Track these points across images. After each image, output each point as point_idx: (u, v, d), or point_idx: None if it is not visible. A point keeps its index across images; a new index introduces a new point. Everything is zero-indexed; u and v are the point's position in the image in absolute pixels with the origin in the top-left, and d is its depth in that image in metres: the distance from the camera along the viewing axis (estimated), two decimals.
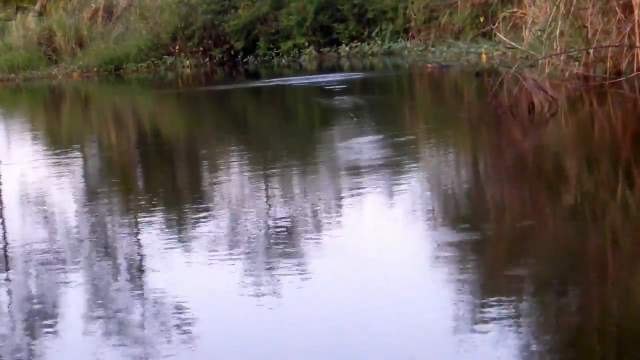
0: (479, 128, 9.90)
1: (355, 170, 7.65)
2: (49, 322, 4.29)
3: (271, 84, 17.99)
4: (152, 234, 5.89)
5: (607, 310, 3.94)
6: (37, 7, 27.54)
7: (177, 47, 23.45)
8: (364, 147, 8.74)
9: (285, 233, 5.62)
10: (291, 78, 18.26)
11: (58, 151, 10.96)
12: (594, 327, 3.77)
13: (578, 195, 6.25)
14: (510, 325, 3.73)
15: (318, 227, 5.70)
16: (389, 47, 21.56)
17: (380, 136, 9.75)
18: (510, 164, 7.71)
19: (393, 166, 7.76)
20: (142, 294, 4.65)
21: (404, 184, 6.92)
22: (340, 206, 6.31)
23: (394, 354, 3.57)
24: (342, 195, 6.69)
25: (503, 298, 4.09)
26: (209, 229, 5.87)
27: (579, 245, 5.01)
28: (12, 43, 25.68)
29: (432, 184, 7.00)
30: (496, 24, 16.07)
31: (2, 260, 5.55)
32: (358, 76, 17.56)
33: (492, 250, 5.11)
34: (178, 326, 4.05)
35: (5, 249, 5.88)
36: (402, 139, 9.64)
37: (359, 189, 6.81)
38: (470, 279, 4.44)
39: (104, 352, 3.83)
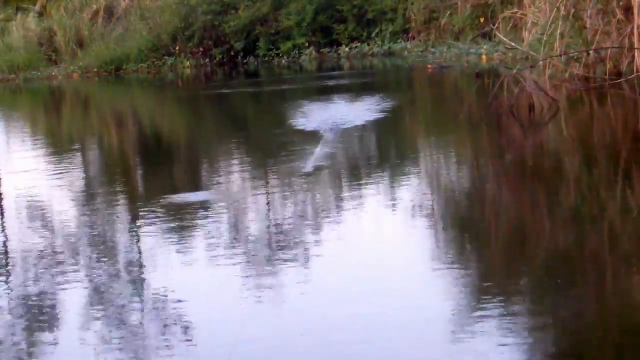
0: (479, 128, 9.90)
1: (353, 170, 7.65)
2: (54, 321, 4.31)
3: (273, 87, 17.96)
4: (153, 234, 5.89)
5: (607, 310, 3.95)
6: (37, 7, 27.53)
7: (177, 48, 23.45)
8: (363, 148, 8.74)
9: (287, 232, 5.63)
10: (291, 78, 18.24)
11: (57, 152, 10.96)
12: (593, 328, 3.78)
13: (578, 196, 6.26)
14: (509, 325, 3.74)
15: (319, 225, 5.71)
16: (389, 47, 21.57)
17: (382, 135, 9.76)
18: (510, 164, 7.72)
19: (395, 166, 7.77)
20: (143, 295, 4.66)
21: (405, 182, 6.93)
22: (341, 205, 6.31)
23: (392, 353, 3.58)
24: (343, 193, 6.68)
25: (502, 298, 4.10)
26: (210, 230, 5.87)
27: (578, 245, 5.02)
28: (12, 43, 25.66)
29: (433, 185, 7.00)
30: (496, 25, 16.08)
31: (10, 260, 5.57)
32: (359, 80, 17.51)
33: (491, 249, 5.11)
34: (179, 326, 4.07)
35: (11, 250, 5.90)
36: (405, 139, 9.65)
37: (359, 188, 6.82)
38: (471, 279, 4.45)
39: (106, 353, 3.85)
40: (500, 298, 4.10)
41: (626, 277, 4.36)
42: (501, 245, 5.20)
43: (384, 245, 5.28)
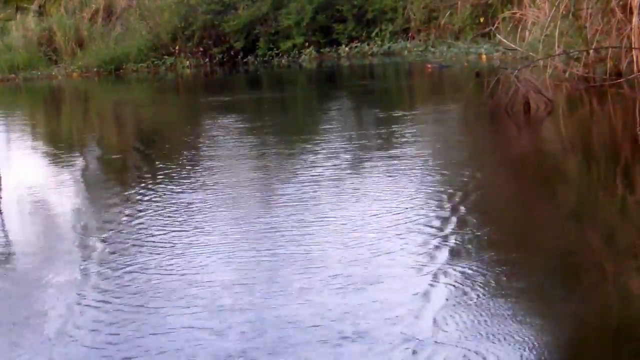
0: (474, 126, 9.89)
1: (353, 168, 7.64)
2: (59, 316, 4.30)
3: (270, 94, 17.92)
4: (154, 232, 5.88)
5: (607, 310, 3.93)
6: (35, 6, 27.54)
7: (177, 48, 23.47)
8: (359, 148, 8.72)
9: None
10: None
11: (57, 153, 10.97)
12: (593, 327, 3.75)
13: (571, 194, 6.24)
14: (507, 324, 3.72)
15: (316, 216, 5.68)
16: (389, 47, 21.57)
17: (382, 132, 9.73)
18: (502, 162, 7.70)
19: (392, 162, 7.74)
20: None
21: (397, 179, 6.90)
22: (338, 199, 6.27)
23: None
24: (341, 190, 6.65)
25: (502, 297, 4.08)
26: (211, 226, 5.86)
27: (576, 244, 5.00)
28: (12, 43, 25.68)
29: (427, 182, 6.98)
30: (496, 25, 16.07)
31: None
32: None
33: (488, 247, 5.08)
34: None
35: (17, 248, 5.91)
36: (399, 135, 9.63)
37: (356, 184, 6.79)
38: (468, 277, 4.41)
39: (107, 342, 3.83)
40: (500, 299, 4.07)
41: (626, 277, 4.34)
42: (498, 243, 5.17)
43: None
